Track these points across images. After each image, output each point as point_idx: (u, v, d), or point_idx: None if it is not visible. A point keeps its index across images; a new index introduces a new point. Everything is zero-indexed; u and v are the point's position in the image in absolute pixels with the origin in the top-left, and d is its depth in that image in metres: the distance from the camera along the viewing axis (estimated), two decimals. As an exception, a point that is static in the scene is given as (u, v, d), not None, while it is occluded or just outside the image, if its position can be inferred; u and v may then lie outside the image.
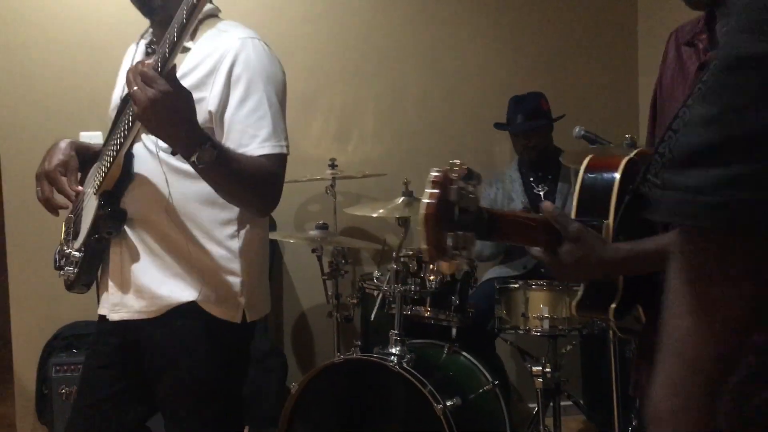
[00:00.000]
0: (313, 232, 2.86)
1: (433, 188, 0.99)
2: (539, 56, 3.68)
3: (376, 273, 2.89)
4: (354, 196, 3.49)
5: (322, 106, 3.53)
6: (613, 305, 1.20)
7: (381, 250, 2.96)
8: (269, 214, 1.71)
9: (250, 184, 1.55)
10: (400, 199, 2.71)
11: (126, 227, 1.65)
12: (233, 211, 1.64)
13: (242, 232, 1.66)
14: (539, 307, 2.66)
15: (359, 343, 2.87)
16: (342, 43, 3.53)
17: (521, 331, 2.71)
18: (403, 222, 2.66)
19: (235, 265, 1.65)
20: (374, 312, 2.72)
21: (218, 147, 1.46)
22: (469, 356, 2.75)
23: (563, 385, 2.76)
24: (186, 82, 1.47)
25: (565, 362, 2.85)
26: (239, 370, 1.75)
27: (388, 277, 2.67)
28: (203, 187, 1.55)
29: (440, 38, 3.61)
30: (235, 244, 1.65)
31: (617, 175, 1.22)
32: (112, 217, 1.62)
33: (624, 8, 3.75)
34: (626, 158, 1.24)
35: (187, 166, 1.54)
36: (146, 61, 1.39)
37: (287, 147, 1.65)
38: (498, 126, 3.31)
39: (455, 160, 1.02)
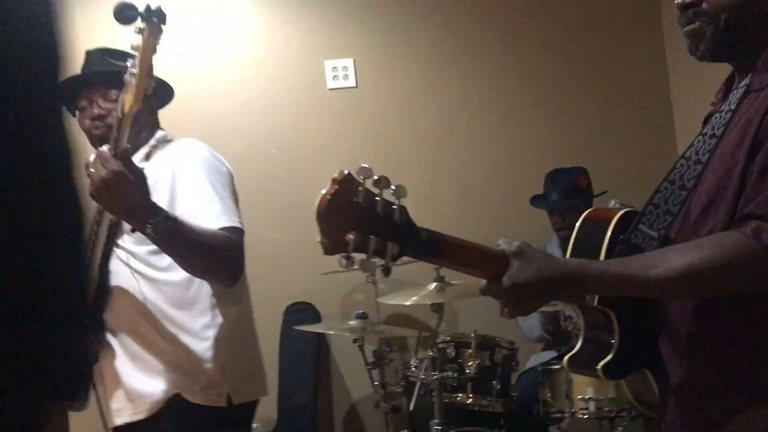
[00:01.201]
0: (353, 323, 2.88)
1: (333, 184, 0.98)
2: (577, 130, 3.68)
3: (413, 361, 2.87)
4: (396, 283, 3.50)
5: (361, 196, 3.60)
6: (604, 361, 1.16)
7: (419, 337, 2.93)
8: (236, 282, 1.76)
9: (210, 253, 1.65)
10: (432, 285, 2.71)
11: (111, 338, 1.74)
12: (204, 302, 1.73)
13: (217, 320, 1.73)
14: (584, 388, 2.57)
15: (407, 432, 2.83)
16: (378, 133, 3.64)
17: (566, 414, 2.62)
18: (437, 308, 2.65)
19: (212, 353, 1.71)
20: (413, 401, 2.69)
21: (173, 218, 1.56)
22: (519, 444, 2.67)
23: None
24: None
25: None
26: None
27: (425, 365, 2.65)
28: (173, 289, 1.67)
29: (477, 120, 3.67)
30: (211, 332, 1.72)
31: (610, 227, 1.20)
32: (95, 328, 1.70)
33: (657, 78, 3.74)
34: (621, 211, 1.24)
35: (156, 272, 1.68)
36: (102, 148, 1.53)
37: (241, 224, 1.74)
38: (534, 203, 3.28)
39: (365, 165, 1.00)
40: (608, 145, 3.68)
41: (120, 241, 1.75)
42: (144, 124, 1.84)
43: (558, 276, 1.07)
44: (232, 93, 3.64)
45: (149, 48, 1.40)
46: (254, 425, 3.24)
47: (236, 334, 1.78)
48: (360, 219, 0.98)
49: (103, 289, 1.73)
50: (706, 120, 1.21)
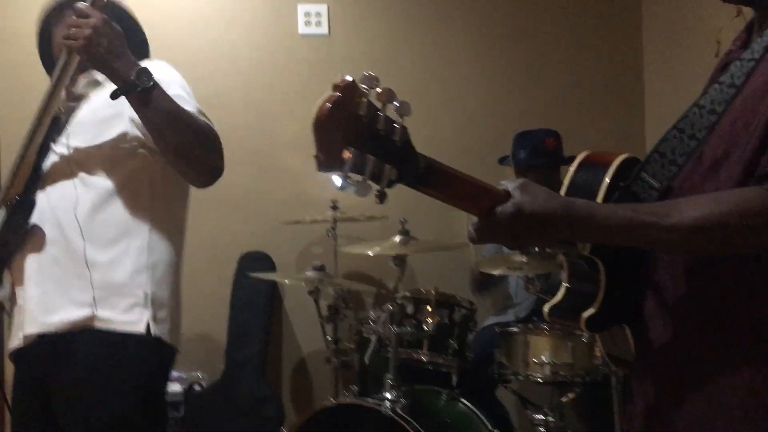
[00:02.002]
0: (310, 273, 2.81)
1: (334, 90, 0.89)
2: (549, 96, 3.65)
3: (371, 315, 2.82)
4: (355, 238, 3.44)
5: (326, 148, 3.52)
6: (588, 313, 1.11)
7: (378, 293, 2.89)
8: (214, 180, 1.68)
9: (194, 131, 1.59)
10: (397, 238, 2.66)
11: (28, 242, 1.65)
12: (143, 225, 1.66)
13: (153, 246, 1.66)
14: (540, 352, 2.57)
15: (355, 387, 2.79)
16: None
17: (521, 378, 2.61)
18: (399, 262, 2.59)
19: (141, 278, 1.63)
20: (368, 355, 2.64)
21: (155, 79, 1.53)
22: (468, 403, 2.65)
23: (568, 435, 2.64)
24: (107, 110, 1.61)
25: (572, 410, 2.73)
26: (156, 401, 1.68)
27: (383, 319, 2.60)
28: (114, 202, 1.63)
29: (449, 78, 3.60)
30: (143, 258, 1.64)
31: (609, 171, 1.14)
32: (22, 226, 1.62)
33: (631, 46, 3.73)
34: (622, 156, 1.17)
35: (98, 179, 1.62)
36: (79, 3, 1.52)
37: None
38: (501, 161, 3.25)
39: (371, 72, 0.91)
40: (579, 112, 3.65)
41: (69, 140, 1.67)
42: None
43: (562, 213, 0.99)
44: (197, 31, 3.50)
45: None
46: (198, 374, 3.21)
47: (165, 270, 1.69)
48: (359, 135, 0.89)
49: (36, 174, 1.64)
50: (723, 68, 1.14)
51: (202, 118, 1.66)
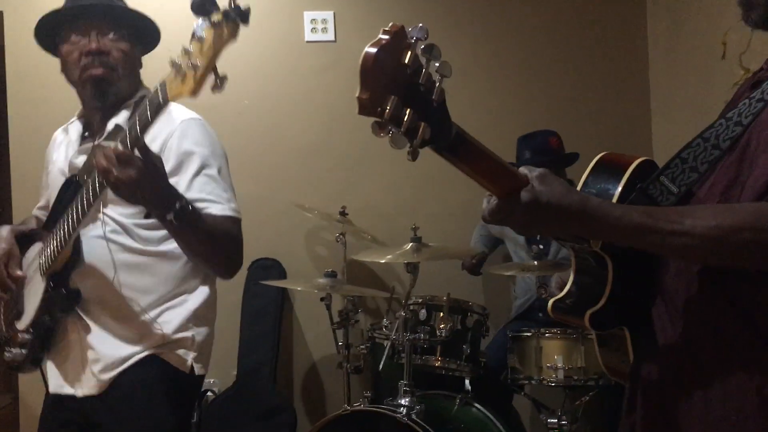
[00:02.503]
0: (322, 280, 2.81)
1: (384, 35, 0.86)
2: (553, 97, 3.66)
3: (384, 321, 2.83)
4: (364, 244, 3.45)
5: (334, 153, 3.53)
6: (593, 309, 1.11)
7: (390, 298, 2.89)
8: (235, 273, 1.73)
9: (219, 243, 1.62)
10: (408, 245, 2.66)
11: (78, 309, 1.68)
12: (188, 277, 1.71)
13: (192, 296, 1.72)
14: (553, 356, 2.58)
15: (369, 394, 2.80)
16: (353, 90, 3.54)
17: (534, 381, 2.62)
18: (412, 268, 2.60)
19: (188, 323, 1.70)
20: (383, 362, 2.65)
21: (191, 204, 1.51)
22: (482, 408, 2.66)
23: (581, 439, 2.66)
24: None
25: (585, 414, 2.74)
26: (188, 424, 1.78)
27: (396, 326, 2.61)
28: (156, 262, 1.66)
29: (455, 83, 3.58)
30: (190, 305, 1.71)
31: (626, 173, 1.14)
32: (66, 297, 1.66)
33: (636, 48, 3.73)
34: (640, 159, 1.18)
35: (142, 245, 1.65)
36: (110, 144, 1.40)
37: (239, 213, 1.72)
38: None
39: (422, 24, 0.89)
40: (584, 114, 3.66)
41: (105, 210, 1.67)
42: (131, 77, 1.74)
43: (577, 208, 1.00)
44: (205, 37, 3.50)
45: (223, 44, 1.31)
46: (212, 381, 3.22)
47: (206, 308, 1.76)
48: (401, 85, 0.87)
49: (77, 254, 1.65)
50: (755, 85, 1.15)
51: (225, 213, 1.65)
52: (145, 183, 1.38)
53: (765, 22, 1.12)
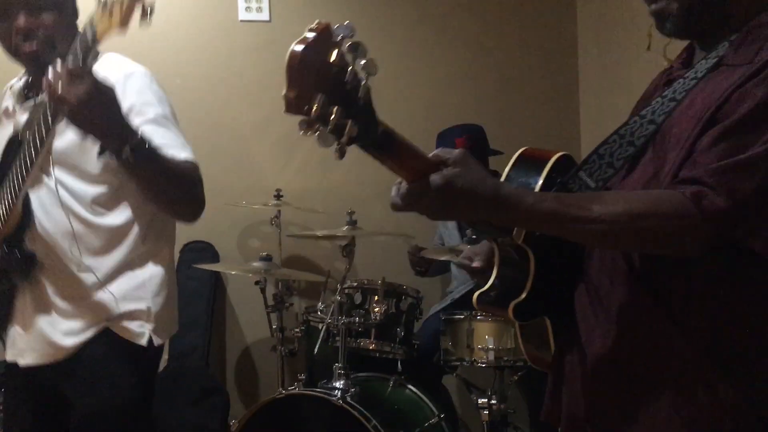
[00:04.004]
0: (257, 264, 2.80)
1: (310, 32, 0.85)
2: (482, 90, 3.70)
3: (320, 305, 2.85)
4: (299, 227, 3.44)
5: (269, 135, 3.50)
6: (516, 301, 1.13)
7: (326, 282, 2.91)
8: (198, 217, 1.70)
9: (181, 182, 1.57)
10: (345, 228, 2.68)
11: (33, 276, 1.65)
12: (138, 245, 1.67)
13: (148, 264, 1.69)
14: (484, 338, 2.65)
15: (303, 377, 2.81)
16: (288, 74, 3.51)
17: (466, 363, 2.68)
18: (348, 252, 2.62)
19: (141, 294, 1.67)
20: (318, 345, 2.67)
21: (148, 140, 1.46)
22: (415, 389, 2.71)
23: (510, 417, 2.74)
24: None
25: (513, 393, 2.83)
26: (150, 395, 1.76)
27: (332, 310, 2.63)
28: (107, 232, 1.62)
29: (378, 76, 3.58)
30: (142, 275, 1.68)
31: (546, 167, 1.17)
32: (22, 260, 1.62)
33: (565, 39, 3.81)
34: (559, 153, 1.20)
35: (92, 216, 1.61)
36: (68, 63, 1.36)
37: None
38: None
39: (349, 22, 0.87)
40: (514, 105, 3.73)
41: (50, 169, 1.60)
42: (67, 38, 1.65)
43: (490, 194, 1.00)
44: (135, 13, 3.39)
45: None
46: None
47: (161, 275, 1.72)
48: (328, 82, 0.85)
49: (27, 215, 1.60)
50: (667, 83, 1.20)
51: (183, 155, 1.62)
52: (97, 104, 1.33)
53: (679, 31, 1.17)
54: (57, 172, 1.61)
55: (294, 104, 0.85)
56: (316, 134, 0.87)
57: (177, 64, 3.40)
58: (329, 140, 0.87)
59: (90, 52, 1.33)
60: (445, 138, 3.16)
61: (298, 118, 0.87)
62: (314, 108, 0.84)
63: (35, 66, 1.65)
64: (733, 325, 1.05)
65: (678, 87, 1.14)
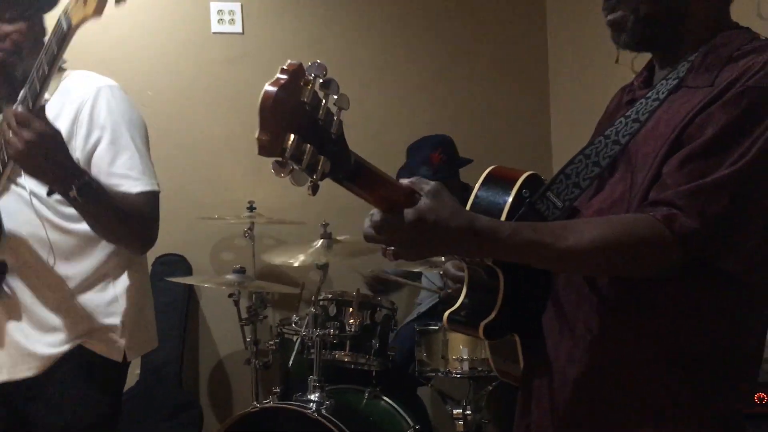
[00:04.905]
0: (230, 277, 2.78)
1: (281, 74, 0.87)
2: (452, 100, 3.72)
3: (294, 317, 2.83)
4: (273, 239, 3.43)
5: (242, 147, 3.48)
6: (486, 320, 1.13)
7: (300, 294, 2.90)
8: (148, 250, 1.72)
9: (129, 221, 1.59)
10: (319, 242, 2.68)
11: (5, 286, 1.63)
12: (111, 256, 1.66)
13: (122, 277, 1.68)
14: (459, 348, 2.65)
15: (278, 390, 2.79)
16: (263, 84, 3.50)
17: (441, 374, 2.69)
18: (322, 265, 2.62)
19: (114, 309, 1.66)
20: (292, 357, 2.66)
21: (96, 182, 1.48)
22: (390, 401, 2.71)
23: (485, 427, 2.75)
24: None
25: (489, 403, 2.84)
26: (118, 411, 1.76)
27: (306, 322, 2.62)
28: (79, 239, 1.60)
29: (360, 79, 3.62)
30: (115, 289, 1.67)
31: (514, 188, 1.17)
32: None
33: (536, 50, 3.85)
34: (527, 173, 1.21)
35: (63, 220, 1.59)
36: (15, 108, 1.38)
37: (158, 185, 1.70)
38: (399, 174, 3.25)
39: (320, 61, 0.89)
40: (482, 115, 3.74)
41: (20, 179, 1.59)
42: (33, 45, 1.66)
43: (466, 228, 1.00)
44: (107, 26, 3.37)
45: None
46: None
47: (136, 290, 1.71)
48: (301, 122, 0.87)
49: None
50: (629, 103, 1.22)
51: (138, 189, 1.62)
52: (41, 151, 1.35)
53: (633, 44, 1.19)
54: (28, 180, 1.59)
55: (267, 147, 0.86)
56: (290, 175, 0.88)
57: (149, 77, 3.38)
58: (302, 179, 0.89)
59: (63, 43, 1.35)
60: (417, 151, 3.15)
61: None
62: (287, 149, 0.85)
63: (1, 74, 1.64)
64: (697, 338, 1.07)
65: (641, 108, 1.16)
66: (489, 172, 1.22)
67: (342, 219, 3.14)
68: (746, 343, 1.11)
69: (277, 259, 2.91)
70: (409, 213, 0.97)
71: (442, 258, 2.79)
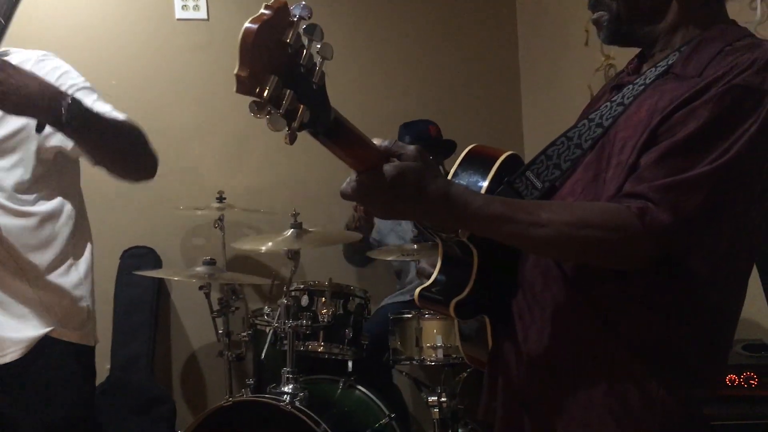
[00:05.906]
0: (200, 269, 2.73)
1: (266, 10, 0.82)
2: (426, 84, 3.71)
3: (266, 309, 2.80)
4: (243, 229, 3.38)
5: (209, 137, 3.43)
6: (457, 298, 1.13)
7: (272, 285, 2.86)
8: (154, 173, 1.65)
9: (130, 137, 1.55)
10: (289, 232, 2.64)
11: None
12: (65, 238, 1.63)
13: (78, 257, 1.66)
14: (433, 335, 2.65)
15: (251, 382, 2.76)
16: (230, 71, 3.43)
17: (416, 361, 2.68)
18: (293, 255, 2.58)
19: (81, 292, 1.65)
20: (265, 349, 2.63)
21: (81, 101, 1.42)
22: (365, 390, 2.70)
23: (461, 413, 2.74)
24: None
25: (463, 390, 2.83)
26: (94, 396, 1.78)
27: (278, 313, 2.59)
28: (37, 224, 1.57)
29: (331, 71, 3.57)
30: (75, 271, 1.65)
31: (494, 166, 1.17)
32: None
33: (506, 36, 3.85)
34: (507, 153, 1.21)
35: (21, 206, 1.55)
36: None
37: None
38: None
39: (305, 3, 0.85)
40: (456, 101, 3.74)
41: None
42: None
43: (442, 192, 0.99)
44: (68, 12, 3.28)
45: None
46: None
47: (91, 272, 1.70)
48: (282, 64, 0.83)
49: None
50: (617, 88, 1.22)
51: (122, 116, 1.60)
52: (10, 87, 1.31)
53: (611, 40, 1.21)
54: None
55: (245, 84, 0.82)
56: (267, 117, 0.84)
57: (112, 65, 3.30)
58: (280, 124, 0.84)
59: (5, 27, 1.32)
60: (413, 127, 3.24)
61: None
62: (266, 90, 0.81)
63: None
64: (664, 329, 1.07)
65: (627, 92, 1.15)
66: (469, 150, 1.22)
67: (313, 208, 3.11)
68: (715, 336, 1.11)
69: (246, 245, 2.86)
70: (390, 169, 0.96)
71: (414, 246, 2.79)
